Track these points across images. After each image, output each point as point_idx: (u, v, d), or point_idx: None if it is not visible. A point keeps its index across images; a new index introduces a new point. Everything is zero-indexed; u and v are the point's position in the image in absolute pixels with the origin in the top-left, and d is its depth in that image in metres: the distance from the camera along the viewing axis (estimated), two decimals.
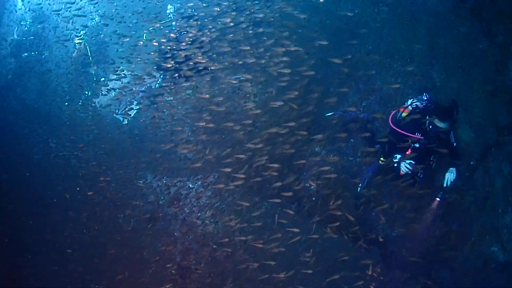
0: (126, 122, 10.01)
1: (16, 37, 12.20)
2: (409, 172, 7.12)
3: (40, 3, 12.28)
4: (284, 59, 7.58)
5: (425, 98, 7.40)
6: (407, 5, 8.93)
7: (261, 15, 8.66)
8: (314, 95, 7.87)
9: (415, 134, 7.01)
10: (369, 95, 8.99)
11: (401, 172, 7.19)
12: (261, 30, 8.25)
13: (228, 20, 8.30)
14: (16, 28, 12.30)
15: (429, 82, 8.59)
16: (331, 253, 7.79)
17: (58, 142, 9.74)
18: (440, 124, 6.74)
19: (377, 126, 8.66)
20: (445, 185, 7.00)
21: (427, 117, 6.88)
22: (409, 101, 7.55)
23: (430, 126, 6.89)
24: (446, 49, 8.53)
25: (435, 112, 6.87)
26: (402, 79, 8.80)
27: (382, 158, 7.57)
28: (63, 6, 10.75)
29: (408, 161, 7.10)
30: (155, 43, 8.92)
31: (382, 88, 8.90)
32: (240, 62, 7.85)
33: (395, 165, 7.27)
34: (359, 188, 8.08)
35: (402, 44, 8.91)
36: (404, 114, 7.46)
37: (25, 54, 11.92)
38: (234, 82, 7.98)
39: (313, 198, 8.14)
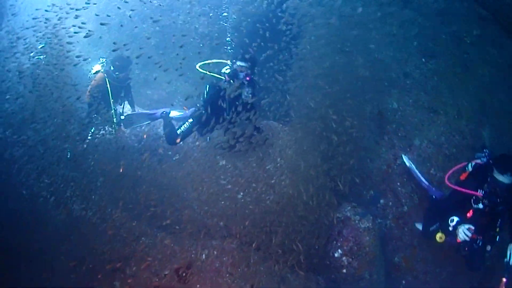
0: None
1: None
2: (467, 239, 5.94)
3: None
4: None
5: (485, 154, 6.49)
6: (461, 56, 8.05)
7: None
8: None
9: (478, 191, 5.94)
10: (404, 153, 8.02)
11: (458, 239, 6.02)
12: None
13: None
14: None
15: (478, 141, 7.79)
16: None
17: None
18: (500, 178, 5.69)
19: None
20: (506, 260, 5.75)
21: (489, 174, 5.89)
22: (469, 166, 6.60)
23: (489, 179, 5.85)
24: (501, 105, 7.83)
25: (493, 163, 5.91)
26: (447, 137, 7.89)
27: (440, 235, 6.39)
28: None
29: (467, 226, 5.96)
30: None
31: (421, 146, 7.93)
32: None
33: (450, 229, 6.14)
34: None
35: (450, 98, 8.03)
36: (462, 179, 6.50)
37: None
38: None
39: (344, 270, 7.03)
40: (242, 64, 7.57)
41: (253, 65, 7.64)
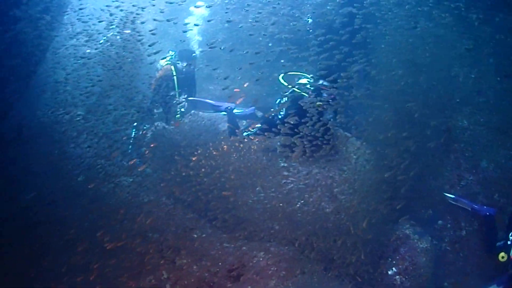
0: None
1: None
2: None
3: None
4: None
5: None
6: None
7: None
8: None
9: None
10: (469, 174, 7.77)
11: (511, 256, 6.11)
12: None
13: None
14: None
15: None
16: None
17: None
18: None
19: None
20: None
21: None
22: None
23: None
24: None
25: None
26: None
27: (502, 254, 6.34)
28: None
29: None
30: None
31: (488, 168, 7.65)
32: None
33: (509, 242, 6.29)
34: None
35: None
36: None
37: None
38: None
39: None
40: (326, 84, 7.43)
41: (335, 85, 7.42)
